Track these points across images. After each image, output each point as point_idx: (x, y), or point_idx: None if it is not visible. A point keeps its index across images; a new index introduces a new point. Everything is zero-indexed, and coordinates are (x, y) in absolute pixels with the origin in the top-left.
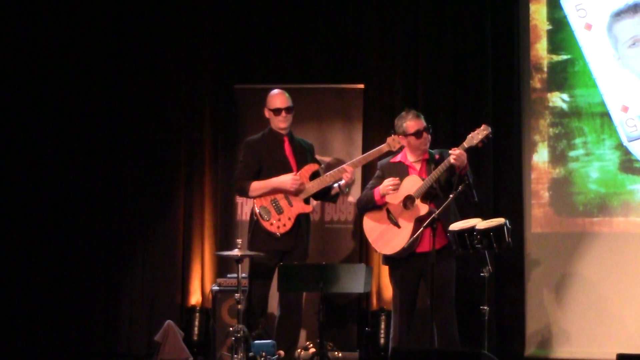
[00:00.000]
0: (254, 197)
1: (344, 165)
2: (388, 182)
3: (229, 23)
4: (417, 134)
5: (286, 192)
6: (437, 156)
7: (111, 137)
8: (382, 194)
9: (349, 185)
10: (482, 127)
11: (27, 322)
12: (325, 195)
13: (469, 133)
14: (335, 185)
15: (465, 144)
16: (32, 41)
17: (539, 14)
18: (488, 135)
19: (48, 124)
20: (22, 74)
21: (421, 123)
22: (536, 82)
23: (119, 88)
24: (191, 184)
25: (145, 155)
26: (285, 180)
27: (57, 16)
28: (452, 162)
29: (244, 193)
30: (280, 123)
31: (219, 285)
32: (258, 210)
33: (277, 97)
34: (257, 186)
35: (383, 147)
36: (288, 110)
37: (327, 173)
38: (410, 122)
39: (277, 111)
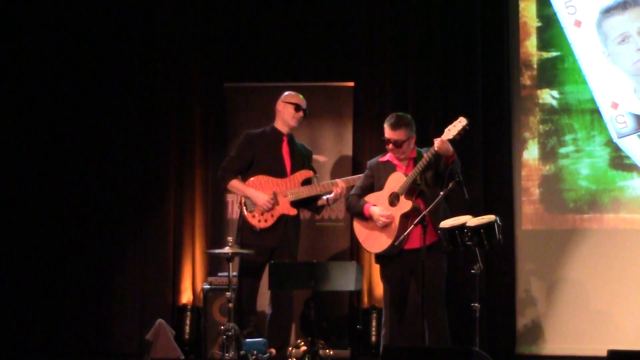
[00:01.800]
0: (228, 190)
1: (337, 180)
2: (382, 217)
3: (218, 21)
4: (386, 142)
5: (275, 190)
6: (425, 154)
7: (101, 136)
8: (370, 215)
9: (337, 199)
10: (458, 119)
11: (18, 321)
12: (311, 203)
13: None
14: (325, 197)
15: (443, 137)
16: (21, 40)
17: (528, 11)
18: (465, 127)
19: (38, 124)
20: (14, 73)
21: (394, 134)
22: (526, 79)
23: (109, 87)
24: (181, 182)
25: (135, 153)
26: (259, 197)
27: (45, 16)
28: (436, 150)
29: (223, 183)
30: (293, 120)
31: (210, 283)
32: (244, 200)
33: (298, 95)
34: (236, 185)
35: None
36: (305, 112)
37: (320, 183)
38: (386, 128)
39: (297, 107)
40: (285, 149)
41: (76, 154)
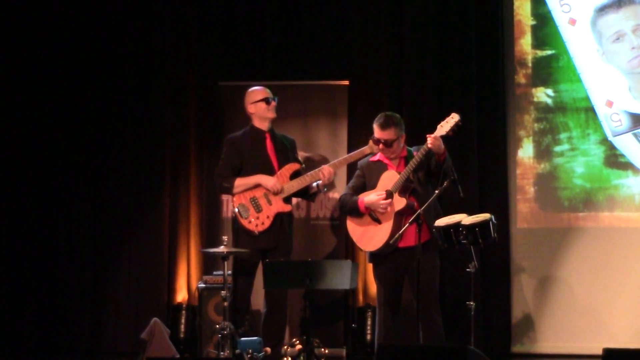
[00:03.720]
0: (237, 193)
1: (324, 166)
2: (382, 203)
3: (213, 20)
4: (376, 142)
5: (265, 189)
6: (415, 153)
7: (96, 135)
8: (367, 207)
9: (327, 185)
10: (450, 116)
11: (13, 320)
12: (304, 193)
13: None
14: (314, 184)
15: (436, 134)
16: (16, 38)
17: (523, 10)
18: (458, 123)
19: (33, 123)
20: (9, 69)
21: (383, 134)
22: (521, 78)
23: (104, 86)
24: (176, 181)
25: (131, 153)
26: (268, 180)
27: (39, 14)
28: (429, 147)
29: (228, 190)
30: (270, 113)
31: (205, 282)
32: (237, 209)
33: (261, 89)
34: (240, 182)
35: (365, 149)
36: (274, 99)
37: (307, 173)
38: (375, 128)
39: (267, 100)
40: (269, 147)
41: (71, 153)
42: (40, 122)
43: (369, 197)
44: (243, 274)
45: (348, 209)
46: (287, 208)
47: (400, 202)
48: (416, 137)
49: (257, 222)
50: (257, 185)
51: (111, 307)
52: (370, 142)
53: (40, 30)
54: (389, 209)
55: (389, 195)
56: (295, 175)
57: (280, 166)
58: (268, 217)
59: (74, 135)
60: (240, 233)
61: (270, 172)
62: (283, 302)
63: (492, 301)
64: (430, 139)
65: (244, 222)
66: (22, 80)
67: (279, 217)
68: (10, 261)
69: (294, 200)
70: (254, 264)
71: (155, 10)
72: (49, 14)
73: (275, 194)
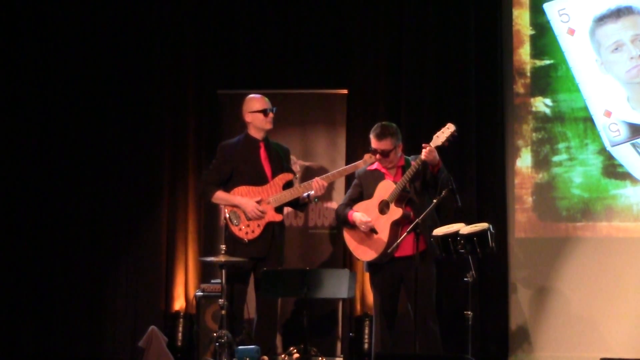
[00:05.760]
0: (213, 203)
1: (316, 178)
2: (363, 221)
3: (212, 28)
4: (373, 152)
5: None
6: (413, 162)
7: (95, 143)
8: (353, 221)
9: (319, 196)
10: (446, 126)
11: (10, 327)
12: (295, 203)
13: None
14: (305, 195)
15: (431, 144)
16: (16, 46)
17: (521, 19)
18: (453, 134)
19: (32, 130)
20: (9, 78)
21: (380, 144)
22: (519, 87)
23: (103, 94)
24: (175, 189)
25: (129, 161)
26: (248, 203)
27: (39, 23)
28: (423, 159)
29: (206, 197)
30: (267, 124)
31: (203, 290)
32: (228, 215)
33: (260, 99)
34: (221, 196)
35: (359, 163)
36: (272, 110)
37: (300, 184)
38: (372, 138)
39: (265, 112)
40: (263, 156)
41: (69, 161)
42: (38, 129)
43: (355, 214)
44: (237, 282)
45: (341, 220)
46: (278, 218)
47: (396, 212)
48: (414, 146)
49: (247, 230)
50: (249, 195)
51: (109, 315)
52: (365, 156)
53: (39, 37)
54: (378, 230)
55: (382, 209)
56: (287, 185)
57: (274, 175)
58: (259, 225)
59: (72, 142)
60: (230, 240)
61: (264, 180)
62: (273, 310)
63: (490, 311)
64: (425, 151)
65: (234, 229)
66: (22, 88)
67: (270, 227)
68: (8, 269)
69: (287, 210)
70: (247, 271)
71: (154, 18)
72: (48, 20)
73: (255, 218)
